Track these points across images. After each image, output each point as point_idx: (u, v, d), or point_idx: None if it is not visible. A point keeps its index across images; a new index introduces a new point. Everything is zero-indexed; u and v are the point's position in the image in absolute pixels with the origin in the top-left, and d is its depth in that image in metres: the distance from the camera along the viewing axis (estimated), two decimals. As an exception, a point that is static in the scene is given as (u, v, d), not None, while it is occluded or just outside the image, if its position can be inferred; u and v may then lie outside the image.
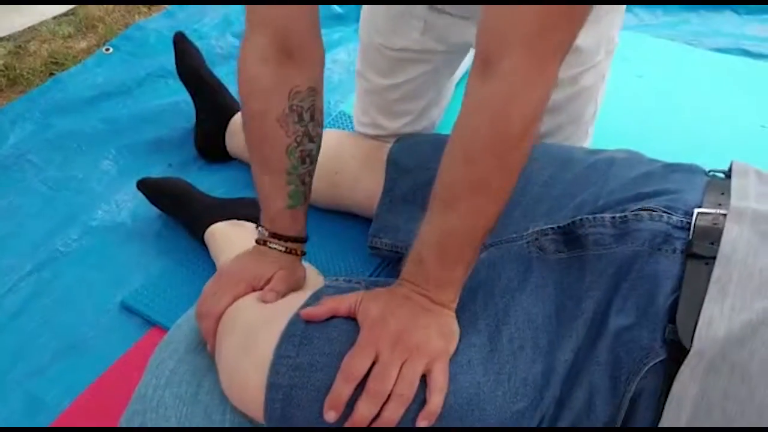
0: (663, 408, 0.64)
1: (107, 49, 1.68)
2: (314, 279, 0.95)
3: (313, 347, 0.70)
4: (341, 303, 0.72)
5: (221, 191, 1.25)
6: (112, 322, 1.09)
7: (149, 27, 1.75)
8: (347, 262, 1.15)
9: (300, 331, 0.71)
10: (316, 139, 0.87)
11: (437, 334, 0.69)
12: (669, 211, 0.72)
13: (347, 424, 0.66)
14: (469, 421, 0.67)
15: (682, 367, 0.63)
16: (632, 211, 0.73)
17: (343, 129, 1.40)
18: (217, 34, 1.72)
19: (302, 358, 0.70)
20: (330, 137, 1.00)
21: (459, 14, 1.05)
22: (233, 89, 1.33)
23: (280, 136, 0.84)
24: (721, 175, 0.81)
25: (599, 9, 1.01)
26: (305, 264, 0.94)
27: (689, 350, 0.63)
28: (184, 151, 1.39)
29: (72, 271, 1.16)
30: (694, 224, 0.70)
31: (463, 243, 0.70)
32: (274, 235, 0.88)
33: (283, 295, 0.83)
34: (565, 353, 0.70)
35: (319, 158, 0.90)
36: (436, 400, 0.66)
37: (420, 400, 0.66)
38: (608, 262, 0.71)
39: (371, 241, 1.05)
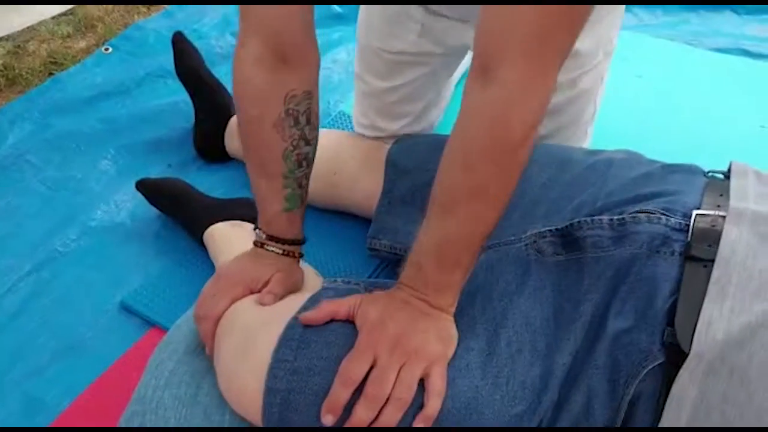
0: (662, 411, 0.64)
1: (106, 49, 1.67)
2: (313, 280, 0.95)
3: (310, 351, 0.70)
4: (340, 306, 0.72)
5: (220, 191, 1.25)
6: (111, 322, 1.09)
7: (148, 27, 1.75)
8: (346, 262, 1.15)
9: (298, 335, 0.71)
10: (312, 143, 0.87)
11: (436, 338, 0.69)
12: (667, 213, 0.71)
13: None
14: (467, 425, 0.67)
15: (681, 370, 0.63)
16: (630, 214, 0.73)
17: (343, 129, 1.39)
18: (217, 34, 1.71)
19: (300, 362, 0.70)
20: (329, 138, 1.00)
21: (456, 17, 1.04)
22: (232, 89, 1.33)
23: (276, 140, 0.83)
24: (720, 176, 0.80)
25: (600, 9, 1.00)
26: (304, 265, 0.93)
27: (688, 353, 0.62)
28: (183, 151, 1.39)
29: (71, 272, 1.16)
30: (693, 226, 0.70)
31: (461, 248, 0.70)
32: (272, 238, 0.88)
33: (281, 297, 0.83)
34: (563, 356, 0.69)
35: (317, 158, 0.89)
36: (433, 404, 0.66)
37: (418, 404, 0.66)
38: (606, 265, 0.71)
39: (370, 242, 1.04)
